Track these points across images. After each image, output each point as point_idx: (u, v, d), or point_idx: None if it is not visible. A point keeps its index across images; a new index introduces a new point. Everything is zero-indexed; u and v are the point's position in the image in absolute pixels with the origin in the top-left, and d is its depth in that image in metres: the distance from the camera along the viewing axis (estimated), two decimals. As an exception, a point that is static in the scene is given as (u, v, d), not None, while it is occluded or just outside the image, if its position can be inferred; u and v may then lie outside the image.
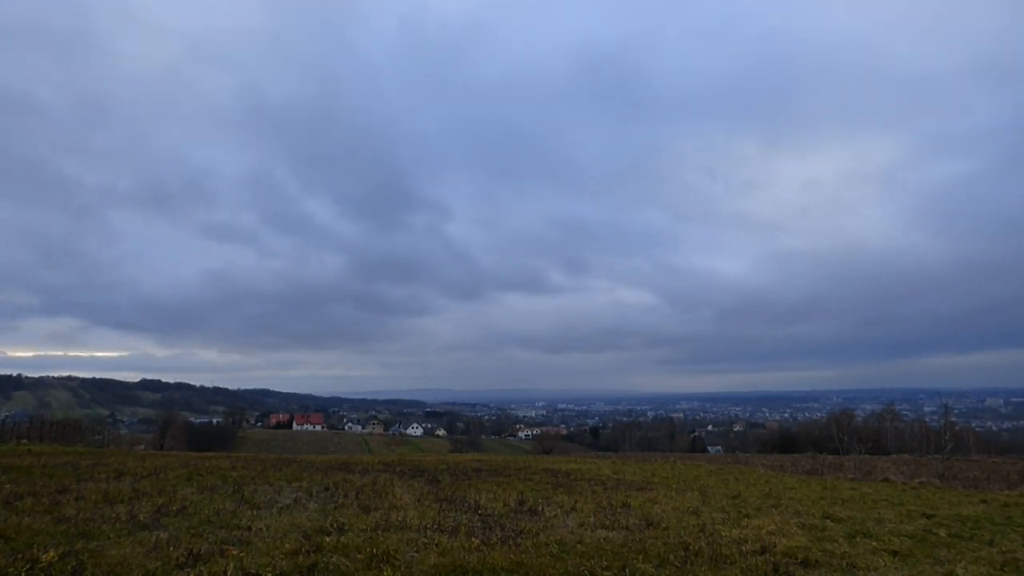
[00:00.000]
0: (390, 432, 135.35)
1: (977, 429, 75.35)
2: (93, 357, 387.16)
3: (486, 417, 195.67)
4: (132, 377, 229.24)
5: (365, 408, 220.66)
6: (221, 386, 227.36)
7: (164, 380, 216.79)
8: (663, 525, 8.42)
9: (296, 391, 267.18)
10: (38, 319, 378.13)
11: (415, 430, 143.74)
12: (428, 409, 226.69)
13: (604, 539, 7.24)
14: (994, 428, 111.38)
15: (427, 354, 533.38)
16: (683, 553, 6.55)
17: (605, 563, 6.02)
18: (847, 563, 6.48)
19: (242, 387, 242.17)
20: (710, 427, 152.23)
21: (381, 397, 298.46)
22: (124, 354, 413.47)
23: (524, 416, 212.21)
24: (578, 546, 6.78)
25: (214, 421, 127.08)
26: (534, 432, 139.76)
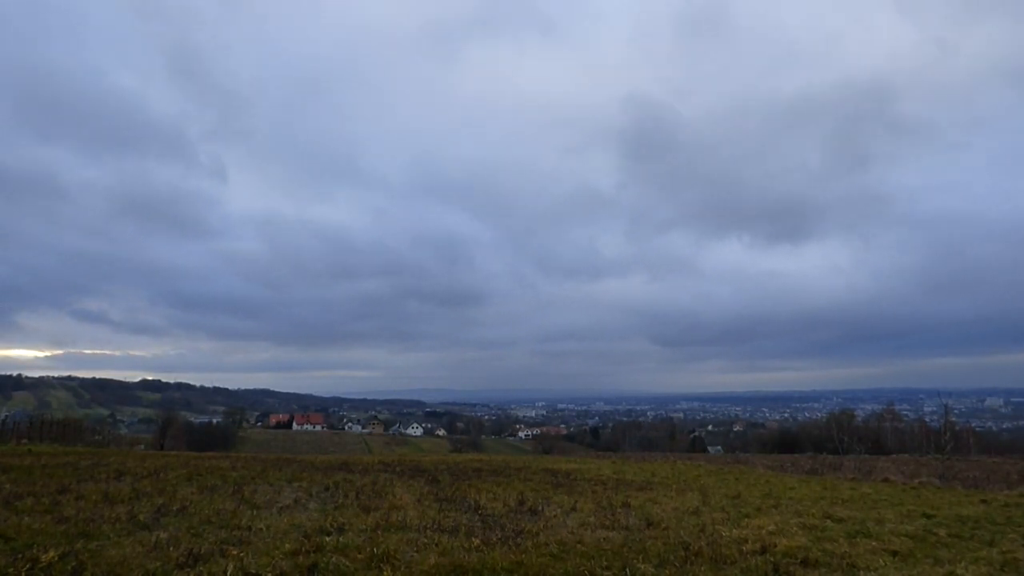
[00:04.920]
0: (390, 432, 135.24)
1: (977, 429, 75.19)
2: (98, 356, 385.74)
3: (486, 417, 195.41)
4: (133, 377, 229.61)
5: (365, 408, 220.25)
6: (221, 386, 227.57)
7: (164, 380, 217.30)
8: (663, 525, 8.42)
9: (296, 391, 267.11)
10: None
11: (415, 430, 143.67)
12: (428, 409, 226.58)
13: (604, 539, 7.25)
14: (994, 428, 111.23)
15: (428, 354, 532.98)
16: (683, 553, 6.55)
17: (605, 563, 6.03)
18: (847, 563, 6.48)
19: (242, 387, 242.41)
20: (710, 427, 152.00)
21: (381, 397, 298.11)
22: (134, 353, 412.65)
23: (524, 416, 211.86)
24: (578, 546, 6.78)
25: (214, 421, 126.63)
26: (534, 432, 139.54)
